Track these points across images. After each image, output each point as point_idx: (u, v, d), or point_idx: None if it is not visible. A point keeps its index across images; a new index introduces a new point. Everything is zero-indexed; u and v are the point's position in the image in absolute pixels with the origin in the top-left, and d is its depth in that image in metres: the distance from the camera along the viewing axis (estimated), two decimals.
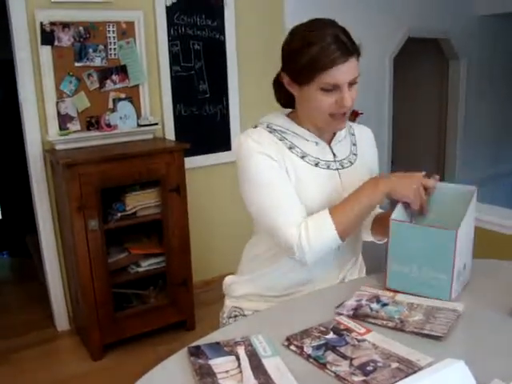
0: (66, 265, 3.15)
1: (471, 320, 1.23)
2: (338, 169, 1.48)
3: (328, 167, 1.46)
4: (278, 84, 1.49)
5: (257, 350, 1.11)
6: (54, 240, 3.13)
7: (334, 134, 1.51)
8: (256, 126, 1.47)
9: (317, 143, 1.46)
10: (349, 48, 1.31)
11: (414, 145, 5.58)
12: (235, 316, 1.57)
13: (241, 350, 1.11)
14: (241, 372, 1.03)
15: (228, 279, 1.66)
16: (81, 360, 2.92)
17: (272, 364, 1.06)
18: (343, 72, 1.30)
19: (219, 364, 1.06)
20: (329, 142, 1.50)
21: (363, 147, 1.60)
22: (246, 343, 1.14)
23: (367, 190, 1.34)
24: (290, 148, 1.43)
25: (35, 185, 3.02)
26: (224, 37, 3.50)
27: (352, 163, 1.52)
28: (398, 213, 1.37)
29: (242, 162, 1.40)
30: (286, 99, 1.51)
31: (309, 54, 1.30)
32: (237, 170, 1.43)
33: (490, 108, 5.59)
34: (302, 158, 1.43)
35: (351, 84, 1.34)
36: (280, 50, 1.40)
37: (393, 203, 1.38)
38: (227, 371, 1.04)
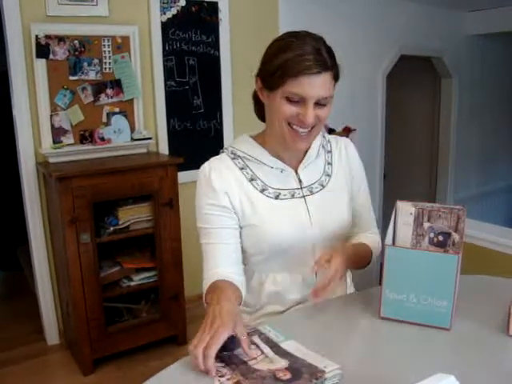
0: (58, 278, 3.13)
1: (461, 335, 1.23)
2: (304, 196, 1.42)
3: (292, 196, 1.41)
4: (255, 95, 1.47)
5: (270, 337, 1.15)
6: (46, 253, 3.11)
7: (305, 153, 1.43)
8: (223, 151, 1.46)
9: (282, 170, 1.41)
10: (326, 63, 1.23)
11: (407, 161, 5.61)
12: None
13: (256, 339, 1.15)
14: (267, 356, 1.07)
15: None
16: (71, 375, 2.89)
17: (291, 346, 1.10)
18: (312, 85, 1.22)
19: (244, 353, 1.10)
20: (296, 167, 1.43)
21: (341, 165, 1.51)
22: (257, 333, 1.18)
23: None
24: (251, 180, 1.40)
25: (28, 197, 3.01)
26: (219, 52, 3.53)
27: (323, 186, 1.45)
28: (391, 236, 1.36)
29: (196, 190, 1.42)
30: (260, 112, 1.47)
31: (283, 58, 1.24)
32: None
33: (482, 126, 5.65)
34: (262, 191, 1.39)
35: (320, 105, 1.26)
36: None
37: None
38: (255, 358, 1.07)
